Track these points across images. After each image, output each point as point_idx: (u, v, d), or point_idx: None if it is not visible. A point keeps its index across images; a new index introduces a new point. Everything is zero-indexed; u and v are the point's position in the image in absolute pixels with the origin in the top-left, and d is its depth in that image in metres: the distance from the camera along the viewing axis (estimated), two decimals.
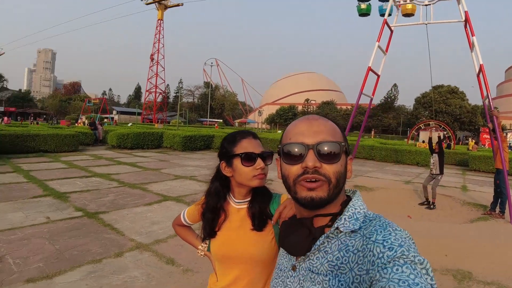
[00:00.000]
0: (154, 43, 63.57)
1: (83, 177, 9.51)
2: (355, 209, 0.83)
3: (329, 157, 0.81)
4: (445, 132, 26.60)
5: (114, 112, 63.16)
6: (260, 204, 1.34)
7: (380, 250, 0.70)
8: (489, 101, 7.83)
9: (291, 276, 0.88)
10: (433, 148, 8.53)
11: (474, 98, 73.84)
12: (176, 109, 52.67)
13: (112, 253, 4.35)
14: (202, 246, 1.52)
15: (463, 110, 55.69)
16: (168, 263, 4.16)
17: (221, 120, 72.66)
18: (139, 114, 63.53)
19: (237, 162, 1.32)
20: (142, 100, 78.29)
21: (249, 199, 1.38)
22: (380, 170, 14.81)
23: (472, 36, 8.49)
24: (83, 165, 11.75)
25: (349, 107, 67.59)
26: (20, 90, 79.52)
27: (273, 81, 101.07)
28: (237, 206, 1.40)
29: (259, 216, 1.32)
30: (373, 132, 53.86)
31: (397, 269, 0.65)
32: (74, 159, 13.33)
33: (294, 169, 0.82)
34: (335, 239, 0.81)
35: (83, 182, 8.88)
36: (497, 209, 7.34)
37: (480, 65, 8.16)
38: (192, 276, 3.83)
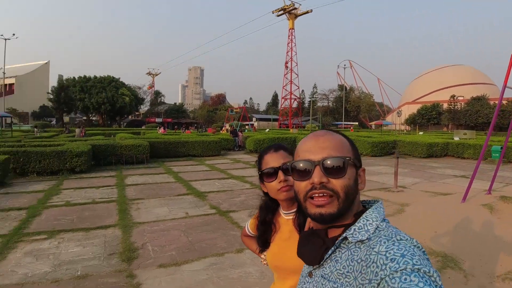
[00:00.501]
0: (287, 52, 66.00)
1: (221, 179, 10.53)
2: (367, 220, 0.85)
3: (335, 172, 0.84)
4: None
5: (254, 119, 67.83)
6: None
7: (383, 262, 0.71)
8: None
9: (307, 282, 0.93)
10: None
11: None
12: (311, 114, 53.26)
13: (234, 249, 4.71)
14: (264, 255, 1.55)
15: None
16: None
17: (357, 123, 70.38)
18: (275, 120, 66.70)
19: (263, 178, 1.38)
20: (279, 106, 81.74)
21: (295, 209, 1.37)
22: None
23: None
24: (222, 168, 13.01)
25: (504, 102, 56.89)
26: (175, 103, 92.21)
27: (413, 78, 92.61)
28: (286, 217, 1.41)
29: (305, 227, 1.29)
30: None
31: (405, 279, 0.65)
32: (216, 162, 14.86)
33: (303, 185, 0.87)
34: (346, 249, 0.84)
35: (221, 183, 9.84)
36: None
37: None
38: None
